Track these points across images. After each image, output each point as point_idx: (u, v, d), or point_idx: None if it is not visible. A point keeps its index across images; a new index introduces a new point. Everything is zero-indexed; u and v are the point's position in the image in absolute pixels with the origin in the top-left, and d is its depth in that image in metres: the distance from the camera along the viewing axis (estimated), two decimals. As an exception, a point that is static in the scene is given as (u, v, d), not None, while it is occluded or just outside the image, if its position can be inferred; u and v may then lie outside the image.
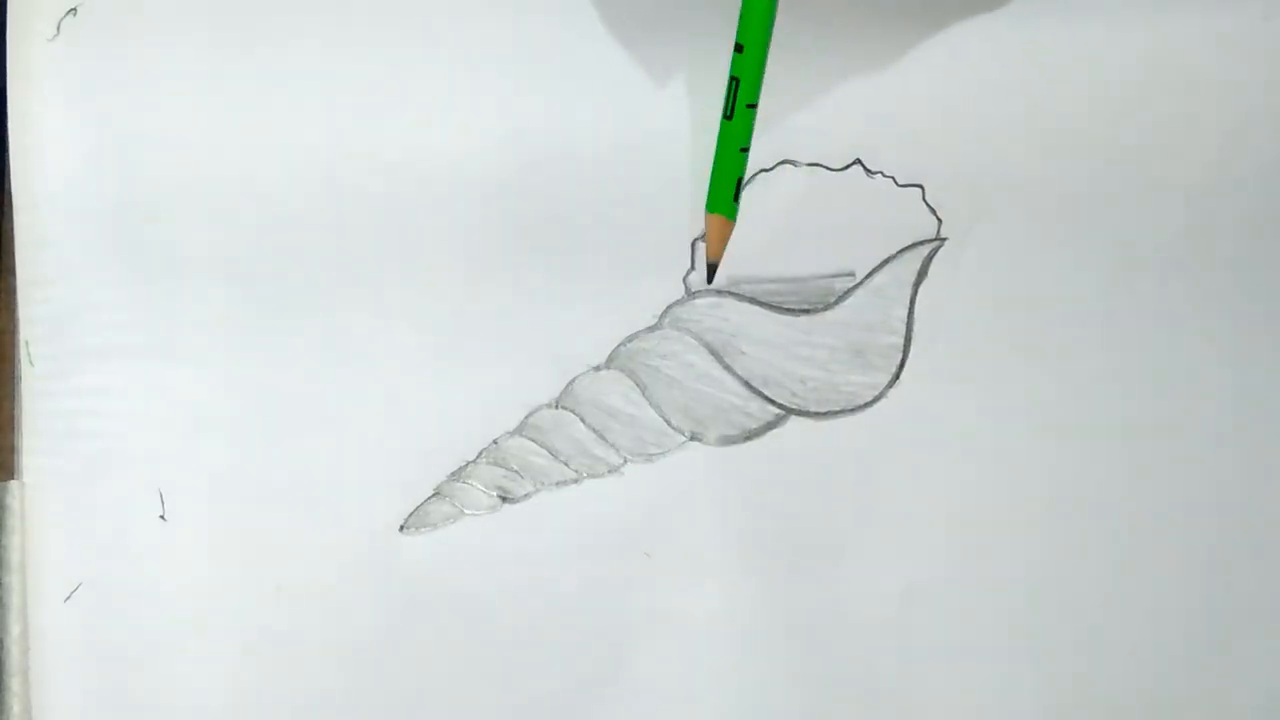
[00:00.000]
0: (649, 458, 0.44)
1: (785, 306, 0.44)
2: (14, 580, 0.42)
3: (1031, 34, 0.45)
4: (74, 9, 0.43)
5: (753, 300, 0.44)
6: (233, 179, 0.43)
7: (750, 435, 0.44)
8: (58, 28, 0.43)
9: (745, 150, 0.41)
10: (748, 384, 0.44)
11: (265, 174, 0.43)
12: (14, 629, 0.42)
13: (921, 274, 0.44)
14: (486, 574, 0.43)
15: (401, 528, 0.43)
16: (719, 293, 0.44)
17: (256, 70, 0.43)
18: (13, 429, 0.42)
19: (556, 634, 0.43)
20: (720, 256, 0.42)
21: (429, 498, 0.43)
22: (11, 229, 0.42)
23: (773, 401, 0.44)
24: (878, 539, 0.44)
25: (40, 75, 0.42)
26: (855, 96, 0.45)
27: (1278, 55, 0.45)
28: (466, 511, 0.44)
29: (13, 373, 0.42)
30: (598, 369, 0.44)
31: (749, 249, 0.44)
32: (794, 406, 0.44)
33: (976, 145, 0.45)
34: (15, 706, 0.41)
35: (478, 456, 0.44)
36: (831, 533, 0.44)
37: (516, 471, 0.44)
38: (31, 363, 0.42)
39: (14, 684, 0.41)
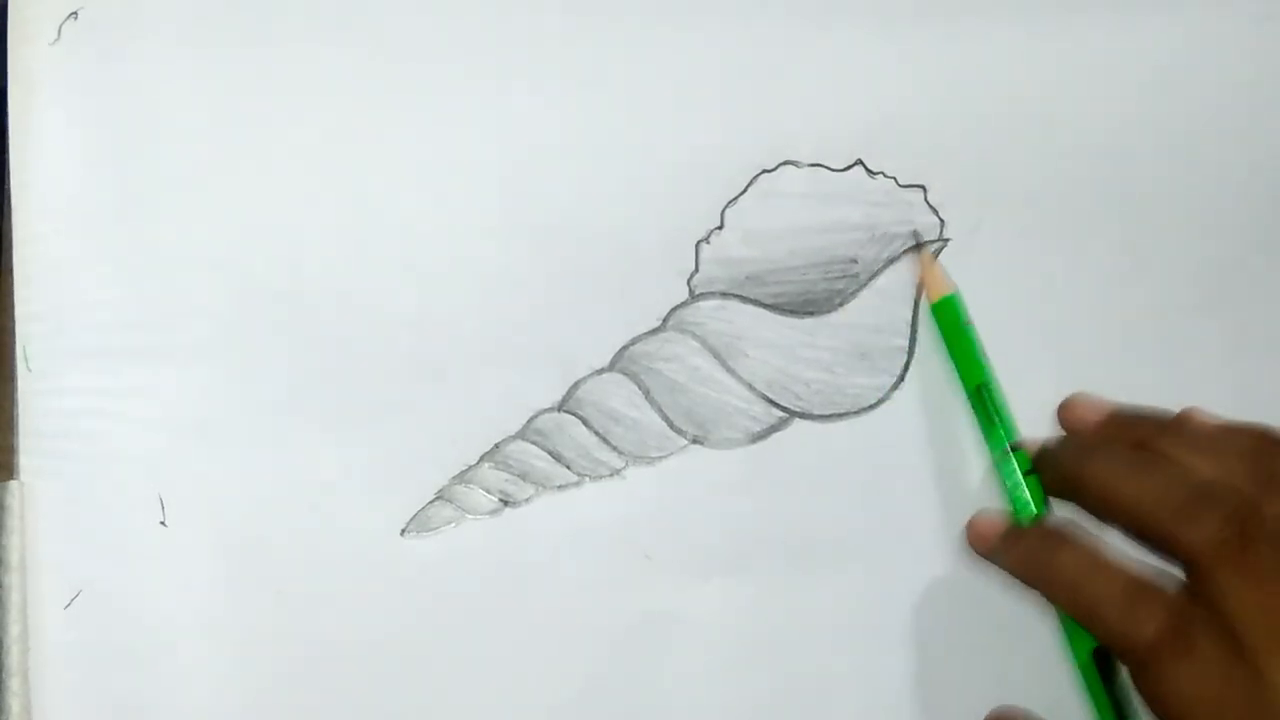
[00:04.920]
0: (651, 461, 0.44)
1: (789, 309, 0.44)
2: (13, 580, 0.42)
3: (1033, 34, 0.45)
4: (75, 13, 0.43)
5: (757, 302, 0.44)
6: (232, 181, 0.43)
7: (754, 438, 0.44)
8: (59, 31, 0.43)
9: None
10: (751, 387, 0.44)
11: (265, 176, 0.43)
12: (14, 629, 0.42)
13: (925, 275, 0.44)
14: (487, 578, 0.43)
15: (403, 531, 0.43)
16: (723, 295, 0.44)
17: (256, 73, 0.43)
18: (12, 429, 0.43)
19: (557, 637, 0.43)
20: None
21: (430, 501, 0.43)
22: (10, 230, 0.43)
23: (777, 404, 0.44)
24: (881, 541, 0.43)
25: (41, 78, 0.43)
26: (857, 97, 0.44)
27: (1278, 55, 0.45)
28: (468, 515, 0.43)
29: (12, 373, 0.43)
30: (601, 372, 0.44)
31: (752, 251, 0.44)
32: (798, 409, 0.44)
33: (978, 146, 0.44)
34: (15, 706, 0.41)
35: (479, 460, 0.44)
36: (835, 535, 0.43)
37: (518, 475, 0.44)
38: (29, 367, 0.43)
39: (14, 684, 0.42)
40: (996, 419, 0.41)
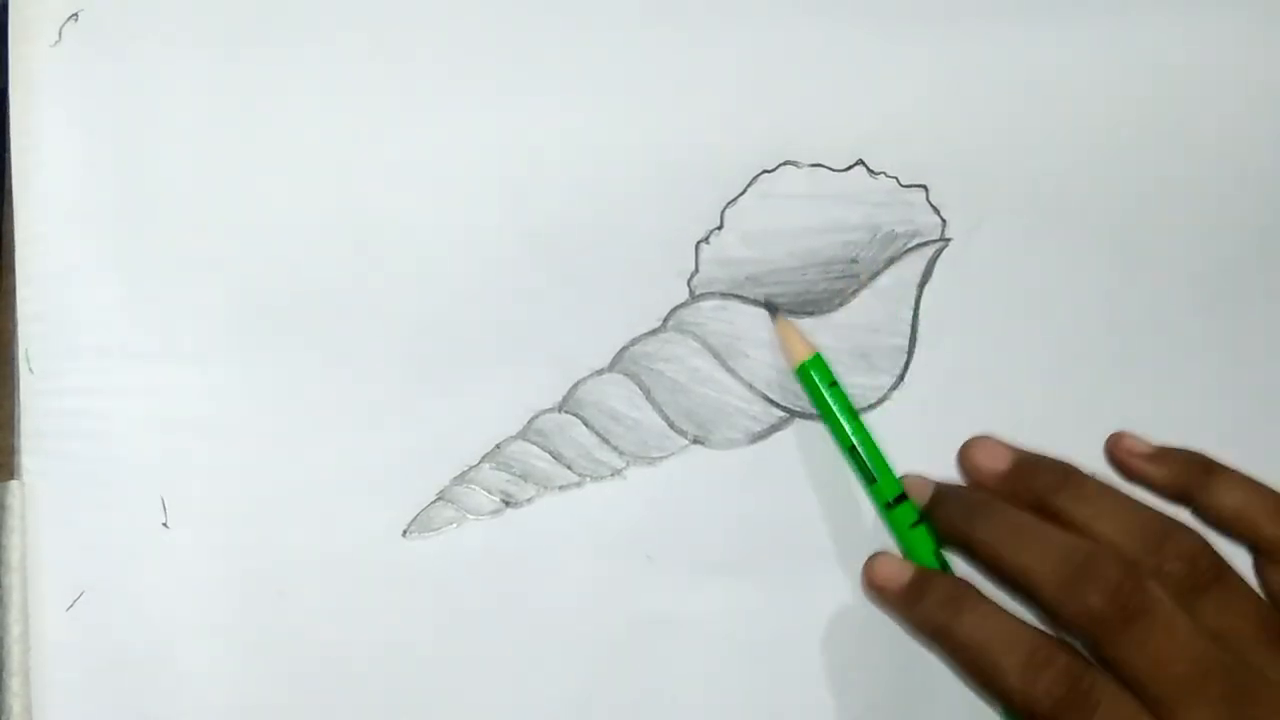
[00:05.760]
0: (652, 461, 0.44)
1: (789, 309, 0.44)
2: (14, 580, 0.42)
3: (1034, 35, 0.45)
4: (75, 14, 0.43)
5: (756, 303, 0.44)
6: (233, 182, 0.43)
7: (754, 438, 0.44)
8: (59, 33, 0.43)
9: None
10: (751, 387, 0.44)
11: (266, 177, 0.43)
12: (14, 629, 0.42)
13: (926, 275, 0.44)
14: (488, 578, 0.43)
15: (404, 532, 0.43)
16: (723, 295, 0.44)
17: (257, 74, 0.43)
18: (13, 429, 0.43)
19: (558, 638, 0.43)
20: None
21: (432, 502, 0.43)
22: (11, 230, 0.43)
23: (777, 404, 0.44)
24: (881, 541, 0.43)
25: (42, 80, 0.43)
26: (858, 97, 0.44)
27: (1278, 55, 0.45)
28: (469, 516, 0.43)
29: (12, 372, 0.43)
30: (601, 372, 0.44)
31: (752, 251, 0.44)
32: (798, 409, 0.44)
33: (980, 146, 0.44)
34: (15, 706, 0.41)
35: (480, 460, 0.43)
36: (835, 535, 0.43)
37: (519, 475, 0.44)
38: (30, 367, 0.42)
39: (14, 684, 0.41)
40: (877, 476, 0.41)
